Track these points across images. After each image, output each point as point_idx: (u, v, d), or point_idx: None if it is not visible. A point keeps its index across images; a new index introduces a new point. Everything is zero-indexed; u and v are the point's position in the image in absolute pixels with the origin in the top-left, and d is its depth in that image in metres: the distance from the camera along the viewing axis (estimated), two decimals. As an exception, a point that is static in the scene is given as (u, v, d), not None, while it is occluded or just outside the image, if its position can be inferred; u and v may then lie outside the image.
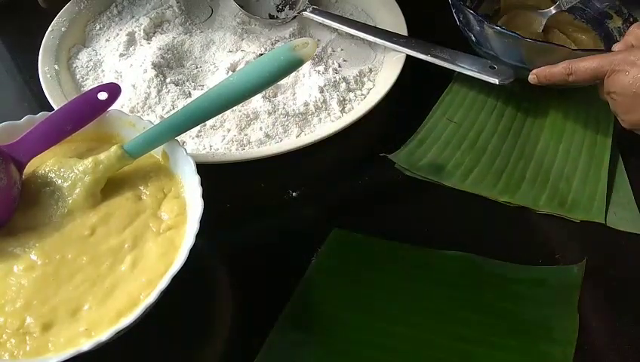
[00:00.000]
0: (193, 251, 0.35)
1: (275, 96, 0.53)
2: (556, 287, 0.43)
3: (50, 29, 0.57)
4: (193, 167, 0.40)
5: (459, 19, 0.56)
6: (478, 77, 0.53)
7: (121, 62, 0.56)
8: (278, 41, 0.59)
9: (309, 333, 0.40)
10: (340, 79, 0.54)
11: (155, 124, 0.42)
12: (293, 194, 0.49)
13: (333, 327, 0.41)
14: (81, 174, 0.40)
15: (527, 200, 0.48)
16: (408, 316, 0.38)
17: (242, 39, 0.59)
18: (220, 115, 0.45)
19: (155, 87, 0.53)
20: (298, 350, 0.39)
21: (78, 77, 0.55)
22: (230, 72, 0.55)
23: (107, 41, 0.59)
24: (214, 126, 0.50)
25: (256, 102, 0.51)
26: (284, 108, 0.51)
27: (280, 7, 0.63)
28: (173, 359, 0.40)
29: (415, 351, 0.40)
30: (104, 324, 0.34)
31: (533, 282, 0.43)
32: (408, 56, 0.55)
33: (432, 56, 0.55)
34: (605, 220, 0.48)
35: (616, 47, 0.49)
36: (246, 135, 0.50)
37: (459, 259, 0.44)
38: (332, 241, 0.45)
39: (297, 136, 0.50)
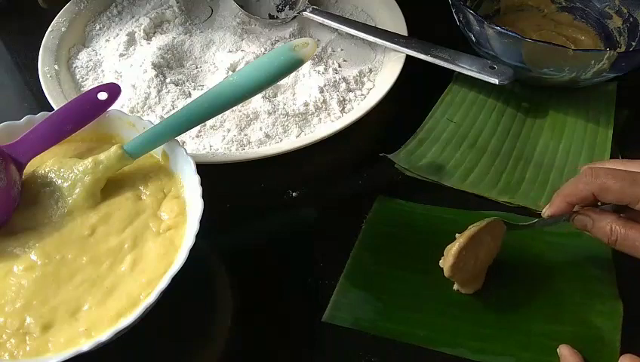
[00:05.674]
0: (193, 251, 0.35)
1: (275, 96, 0.53)
2: None
3: (50, 29, 0.57)
4: (193, 167, 0.40)
5: (459, 19, 0.56)
6: (478, 77, 0.53)
7: (121, 62, 0.56)
8: (278, 41, 0.59)
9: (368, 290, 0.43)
10: (339, 79, 0.54)
11: (155, 124, 0.42)
12: (293, 194, 0.49)
13: (389, 284, 0.43)
14: (81, 174, 0.40)
15: (527, 201, 0.48)
16: None
17: (242, 39, 0.59)
18: (220, 115, 0.45)
19: (155, 87, 0.53)
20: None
21: (78, 77, 0.55)
22: (230, 72, 0.55)
23: (107, 41, 0.59)
24: (214, 126, 0.50)
25: (256, 102, 0.51)
26: (284, 108, 0.51)
27: (280, 7, 0.62)
28: (173, 359, 0.40)
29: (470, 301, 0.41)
30: (104, 324, 0.34)
31: None
32: (408, 56, 0.55)
33: (432, 56, 0.55)
34: (605, 220, 0.48)
35: None
36: (246, 135, 0.50)
37: None
38: (378, 208, 0.48)
39: (297, 136, 0.50)
